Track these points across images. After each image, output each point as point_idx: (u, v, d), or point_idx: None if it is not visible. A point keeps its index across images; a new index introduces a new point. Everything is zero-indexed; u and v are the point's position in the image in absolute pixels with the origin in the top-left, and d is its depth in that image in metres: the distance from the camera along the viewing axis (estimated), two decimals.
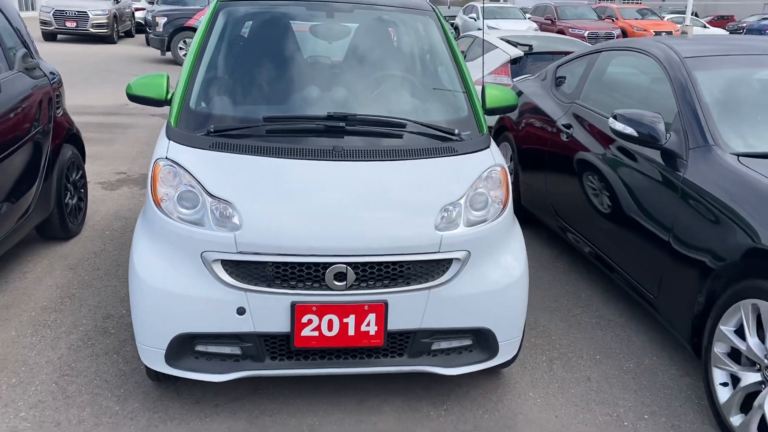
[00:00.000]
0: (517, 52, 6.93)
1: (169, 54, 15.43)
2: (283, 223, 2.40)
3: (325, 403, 2.73)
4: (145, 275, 2.44)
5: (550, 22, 23.51)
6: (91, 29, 18.85)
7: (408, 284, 2.48)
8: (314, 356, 2.53)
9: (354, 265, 2.43)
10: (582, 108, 4.16)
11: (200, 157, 2.59)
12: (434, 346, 2.59)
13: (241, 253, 2.39)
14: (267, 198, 2.45)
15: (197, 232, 2.42)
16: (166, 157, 2.60)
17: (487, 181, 2.69)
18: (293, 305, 2.40)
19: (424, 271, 2.50)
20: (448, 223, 2.53)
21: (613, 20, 24.86)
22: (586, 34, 20.65)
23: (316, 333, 2.45)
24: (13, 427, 2.48)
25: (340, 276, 2.42)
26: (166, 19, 15.31)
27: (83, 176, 4.66)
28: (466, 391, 2.86)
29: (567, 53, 6.57)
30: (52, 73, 4.36)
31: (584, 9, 24.78)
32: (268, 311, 2.42)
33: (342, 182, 2.54)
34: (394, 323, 2.49)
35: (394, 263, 2.46)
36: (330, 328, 2.45)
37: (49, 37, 19.08)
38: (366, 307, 2.44)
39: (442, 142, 2.78)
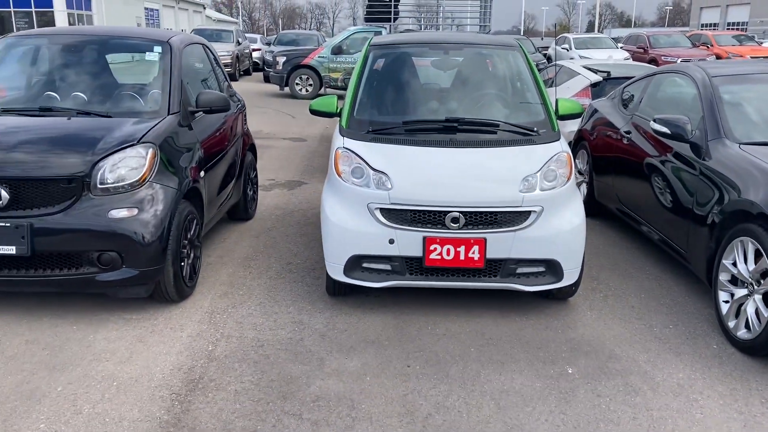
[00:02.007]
0: (596, 78, 8.09)
1: (286, 89, 17.42)
2: (419, 186, 3.77)
3: (444, 309, 4.04)
4: (332, 218, 3.87)
5: (642, 50, 24.08)
6: None
7: (500, 227, 3.77)
8: (437, 273, 3.85)
9: (464, 213, 3.75)
10: (639, 117, 5.32)
11: (364, 146, 4.02)
12: (518, 271, 3.85)
13: (392, 204, 3.77)
14: (408, 170, 3.84)
15: (364, 191, 3.83)
16: (343, 147, 4.05)
17: (556, 162, 3.95)
18: (424, 238, 3.75)
19: (511, 219, 3.78)
20: (528, 188, 3.81)
21: (708, 47, 25.08)
22: (678, 62, 21.14)
23: (439, 257, 3.77)
24: (249, 313, 3.96)
25: (455, 220, 3.74)
26: (285, 58, 17.39)
27: (256, 176, 6.26)
28: (542, 309, 4.09)
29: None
30: (239, 98, 6.01)
31: (678, 37, 25.16)
32: (408, 241, 3.77)
33: (456, 161, 3.89)
34: (491, 253, 3.77)
35: (491, 212, 3.76)
36: (448, 254, 3.77)
37: None
38: (472, 241, 3.75)
39: (524, 136, 4.09)
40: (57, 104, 4.28)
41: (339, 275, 3.91)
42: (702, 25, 63.67)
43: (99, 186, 3.65)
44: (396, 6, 18.38)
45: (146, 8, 40.37)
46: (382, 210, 3.80)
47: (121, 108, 4.29)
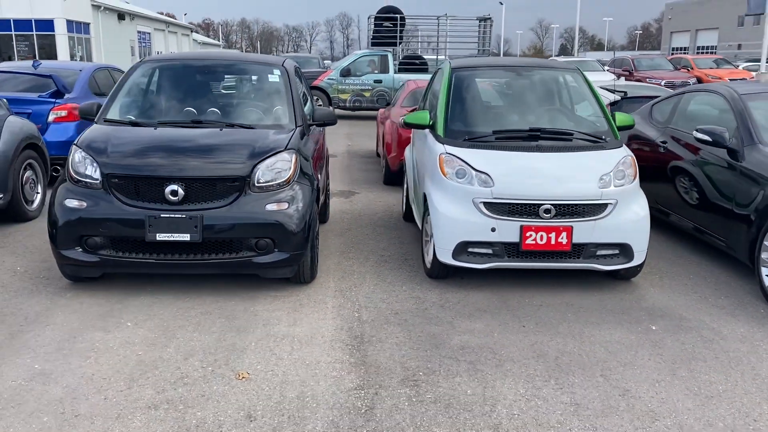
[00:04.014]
0: (614, 97, 9.02)
1: None
2: (516, 183, 4.57)
3: (537, 285, 4.82)
4: (442, 210, 4.65)
5: (627, 73, 25.37)
6: None
7: (583, 217, 4.58)
8: (532, 256, 4.63)
9: (555, 206, 4.55)
10: (673, 129, 6.21)
11: (463, 151, 4.82)
12: (598, 253, 4.65)
13: (494, 198, 4.56)
14: (506, 171, 4.64)
15: (469, 188, 4.62)
16: (446, 152, 4.84)
17: (623, 164, 4.78)
18: (521, 226, 4.54)
19: (592, 210, 4.60)
20: (605, 184, 4.63)
21: (688, 70, 26.50)
22: (663, 83, 22.36)
23: (533, 242, 4.56)
24: (372, 291, 4.70)
25: (548, 211, 4.54)
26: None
27: (329, 183, 7.02)
28: (613, 287, 4.90)
29: (653, 97, 8.58)
30: None
31: (660, 60, 26.58)
32: (507, 229, 4.56)
33: (544, 163, 4.71)
34: (577, 238, 4.57)
35: (575, 205, 4.57)
36: (541, 239, 4.56)
37: None
38: (561, 228, 4.54)
39: (594, 143, 4.93)
40: (197, 118, 5.00)
41: (448, 258, 4.67)
42: (673, 49, 66.00)
43: (256, 184, 4.39)
44: (401, 31, 19.35)
45: (139, 32, 41.00)
46: (485, 203, 4.58)
47: (257, 121, 5.04)
